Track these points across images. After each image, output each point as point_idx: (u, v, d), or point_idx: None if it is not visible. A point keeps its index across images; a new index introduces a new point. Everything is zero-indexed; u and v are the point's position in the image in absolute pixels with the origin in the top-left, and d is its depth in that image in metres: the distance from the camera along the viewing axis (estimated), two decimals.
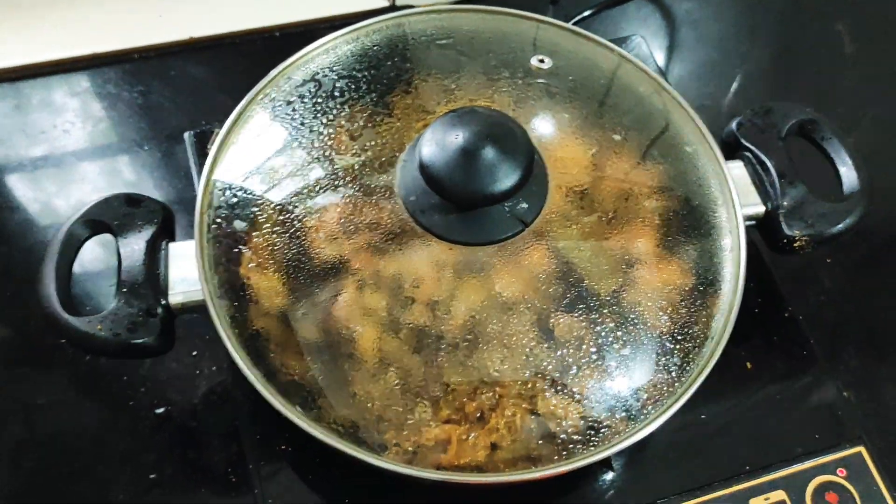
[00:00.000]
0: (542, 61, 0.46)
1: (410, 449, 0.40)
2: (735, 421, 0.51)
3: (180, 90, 0.66)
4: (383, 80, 0.47)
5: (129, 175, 0.62)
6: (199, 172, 0.58)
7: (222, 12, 0.69)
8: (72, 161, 0.63)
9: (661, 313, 0.43)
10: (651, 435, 0.41)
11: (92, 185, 0.62)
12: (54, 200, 0.61)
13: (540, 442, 0.40)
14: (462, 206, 0.41)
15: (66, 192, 0.61)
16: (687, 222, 0.45)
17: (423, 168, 0.40)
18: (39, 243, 0.58)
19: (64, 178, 0.62)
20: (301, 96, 0.47)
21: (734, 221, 0.46)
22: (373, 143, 0.45)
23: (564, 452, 0.40)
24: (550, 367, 0.41)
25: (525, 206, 0.42)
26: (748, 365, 0.53)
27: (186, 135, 0.60)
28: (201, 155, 0.59)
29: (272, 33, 0.69)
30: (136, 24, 0.69)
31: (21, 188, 0.61)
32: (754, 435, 0.51)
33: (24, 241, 0.59)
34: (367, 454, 0.39)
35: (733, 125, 0.52)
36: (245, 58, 0.68)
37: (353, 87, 0.47)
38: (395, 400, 0.40)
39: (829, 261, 0.59)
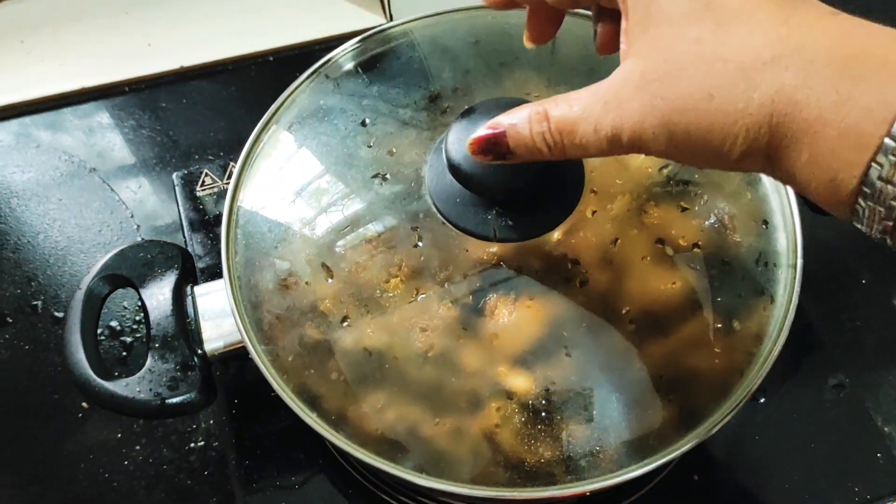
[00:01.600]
0: None
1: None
2: None
3: (173, 122, 0.64)
4: (398, 87, 0.45)
5: (125, 214, 0.61)
6: (187, 215, 0.57)
7: (213, 39, 0.67)
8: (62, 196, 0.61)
9: (705, 318, 0.40)
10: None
11: (83, 219, 0.61)
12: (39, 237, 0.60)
13: (583, 453, 0.38)
14: (494, 200, 0.39)
15: (51, 230, 0.60)
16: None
17: (451, 164, 0.38)
18: None
19: (51, 214, 0.61)
20: (315, 114, 0.45)
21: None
22: (395, 150, 0.42)
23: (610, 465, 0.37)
24: (589, 373, 0.38)
25: (559, 198, 0.40)
26: None
27: (175, 176, 0.59)
28: (189, 197, 0.58)
29: (266, 58, 0.67)
30: (125, 55, 0.66)
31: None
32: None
33: None
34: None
35: None
36: (240, 83, 0.66)
37: (367, 97, 0.45)
38: (438, 413, 0.38)
39: None
